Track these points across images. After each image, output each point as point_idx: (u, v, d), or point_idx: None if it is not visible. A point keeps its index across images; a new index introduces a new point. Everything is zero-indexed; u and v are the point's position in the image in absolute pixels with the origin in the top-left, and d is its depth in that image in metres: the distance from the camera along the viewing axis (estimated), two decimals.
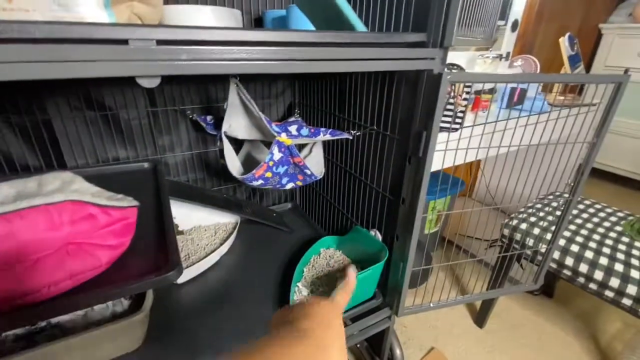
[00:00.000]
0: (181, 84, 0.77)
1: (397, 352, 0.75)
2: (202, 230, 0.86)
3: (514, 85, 1.00)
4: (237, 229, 0.86)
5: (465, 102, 0.75)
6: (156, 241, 0.48)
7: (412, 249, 0.57)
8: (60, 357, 0.49)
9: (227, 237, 0.83)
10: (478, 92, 0.92)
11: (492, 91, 0.93)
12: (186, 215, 0.82)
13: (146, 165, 0.74)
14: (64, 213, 0.38)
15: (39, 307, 0.35)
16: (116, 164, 0.74)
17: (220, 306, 0.65)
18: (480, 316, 1.03)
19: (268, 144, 0.83)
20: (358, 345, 0.85)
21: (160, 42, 0.28)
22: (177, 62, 0.29)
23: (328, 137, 0.64)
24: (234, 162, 0.67)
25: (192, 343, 0.57)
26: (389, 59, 0.41)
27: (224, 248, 0.81)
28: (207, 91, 0.81)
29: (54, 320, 0.57)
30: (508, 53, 1.28)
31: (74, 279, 0.38)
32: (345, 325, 0.65)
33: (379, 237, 0.66)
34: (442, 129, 0.61)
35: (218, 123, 0.75)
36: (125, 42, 0.27)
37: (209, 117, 0.76)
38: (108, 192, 0.51)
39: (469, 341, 0.97)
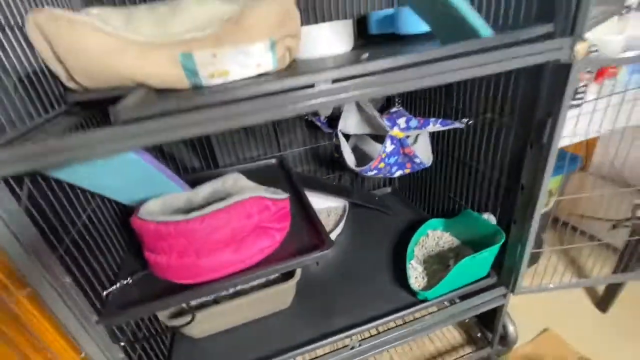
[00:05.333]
0: None
1: (511, 328, 0.78)
2: (317, 213, 0.99)
3: None
4: (346, 212, 0.97)
5: (588, 76, 0.70)
6: (305, 224, 0.61)
7: (532, 234, 0.59)
8: (237, 311, 0.67)
9: (339, 220, 0.95)
10: None
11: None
12: None
13: (273, 160, 0.89)
14: (253, 206, 0.52)
15: (247, 272, 0.50)
16: (252, 161, 0.91)
17: (343, 279, 0.78)
18: (603, 301, 0.96)
19: (373, 136, 0.91)
20: (467, 320, 0.90)
21: (334, 81, 0.38)
22: (344, 95, 0.38)
23: (438, 127, 0.68)
24: (349, 156, 0.76)
25: (326, 306, 0.71)
26: (512, 58, 0.44)
27: (339, 229, 0.93)
28: None
29: None
30: None
31: (262, 253, 0.53)
32: (453, 303, 0.71)
33: (493, 220, 0.69)
34: None
35: (330, 122, 0.86)
36: (312, 86, 0.37)
37: (322, 117, 0.87)
38: (262, 185, 0.66)
39: (587, 325, 0.93)
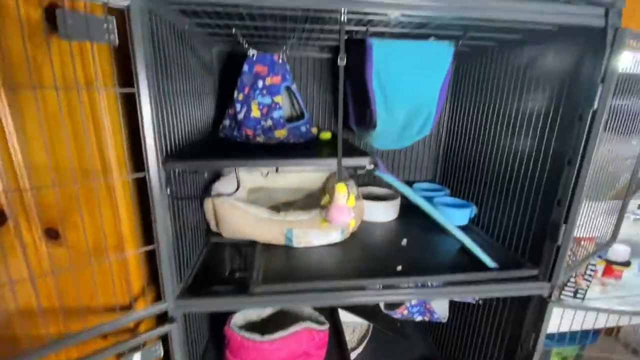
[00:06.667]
0: None
1: None
2: (345, 325, 1.16)
3: None
4: (369, 332, 1.13)
5: (587, 283, 0.86)
6: (337, 352, 0.79)
7: None
8: None
9: (363, 339, 1.11)
10: (611, 262, 0.98)
11: (627, 264, 0.97)
12: None
13: None
14: (303, 336, 0.73)
15: None
16: None
17: None
18: None
19: None
20: None
21: (385, 287, 0.60)
22: (382, 298, 0.60)
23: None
24: None
25: None
26: (508, 290, 0.64)
27: (360, 349, 1.08)
28: None
29: None
30: None
31: None
32: None
33: None
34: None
35: None
36: (363, 288, 0.60)
37: None
38: (309, 309, 0.87)
39: None
